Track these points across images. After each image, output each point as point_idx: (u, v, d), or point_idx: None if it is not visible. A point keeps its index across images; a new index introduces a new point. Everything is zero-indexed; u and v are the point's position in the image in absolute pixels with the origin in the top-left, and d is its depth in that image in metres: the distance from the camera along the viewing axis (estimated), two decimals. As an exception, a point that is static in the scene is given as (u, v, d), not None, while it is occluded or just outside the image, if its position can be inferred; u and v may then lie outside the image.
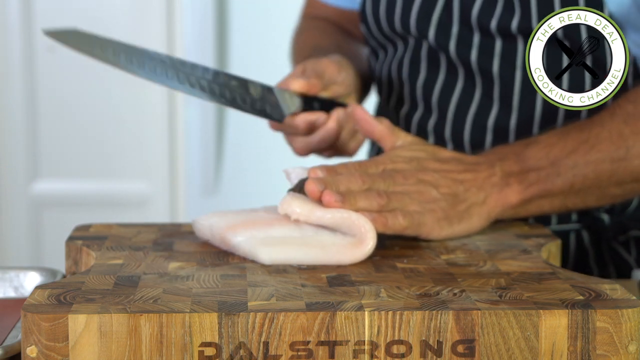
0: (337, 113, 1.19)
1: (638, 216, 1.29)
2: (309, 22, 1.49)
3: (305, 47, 1.41)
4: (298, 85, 1.18)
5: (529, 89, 1.23)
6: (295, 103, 1.18)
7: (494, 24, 1.22)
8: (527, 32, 1.21)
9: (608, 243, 1.29)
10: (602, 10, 1.17)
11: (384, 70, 1.35)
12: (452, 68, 1.27)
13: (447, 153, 1.11)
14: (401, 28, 1.29)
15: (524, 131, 1.24)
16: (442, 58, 1.27)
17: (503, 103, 1.24)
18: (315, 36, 1.44)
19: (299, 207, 1.02)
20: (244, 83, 1.17)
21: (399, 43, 1.32)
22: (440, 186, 1.07)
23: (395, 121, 1.34)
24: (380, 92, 1.39)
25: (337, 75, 1.21)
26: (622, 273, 1.29)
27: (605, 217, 1.28)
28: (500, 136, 1.25)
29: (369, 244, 1.00)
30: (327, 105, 1.20)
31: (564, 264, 1.26)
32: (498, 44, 1.23)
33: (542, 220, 1.24)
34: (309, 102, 1.19)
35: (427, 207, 1.06)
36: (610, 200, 1.17)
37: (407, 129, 1.33)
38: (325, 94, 1.21)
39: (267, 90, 1.18)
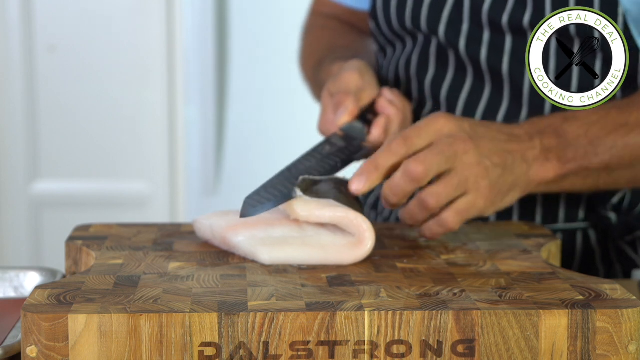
0: (381, 121, 1.18)
1: None
2: (318, 19, 1.49)
3: (317, 47, 1.41)
4: (345, 119, 1.16)
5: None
6: (358, 126, 1.17)
7: (505, 19, 1.22)
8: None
9: (615, 242, 1.29)
10: (617, 8, 1.17)
11: (391, 67, 1.35)
12: (461, 65, 1.27)
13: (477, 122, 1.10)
14: (411, 24, 1.29)
15: None
16: (451, 55, 1.27)
17: (513, 99, 1.24)
18: (327, 35, 1.43)
19: (300, 208, 1.02)
20: (324, 151, 1.14)
21: (408, 40, 1.32)
22: (493, 156, 1.06)
23: None
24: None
25: (362, 82, 1.20)
26: (629, 273, 1.29)
27: (613, 216, 1.27)
28: None
29: (368, 243, 1.00)
30: (370, 111, 1.19)
31: (570, 262, 1.26)
32: (508, 41, 1.23)
33: (550, 218, 1.24)
34: (363, 117, 1.19)
35: (481, 184, 1.04)
36: None
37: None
38: (362, 102, 1.19)
39: (336, 137, 1.15)
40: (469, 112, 1.27)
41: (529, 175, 1.09)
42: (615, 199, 1.26)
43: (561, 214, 1.26)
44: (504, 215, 1.25)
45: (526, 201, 1.24)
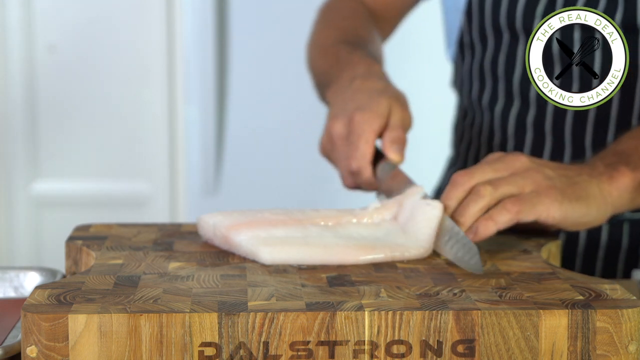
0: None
1: None
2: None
3: (347, 24, 1.40)
4: (400, 160, 1.15)
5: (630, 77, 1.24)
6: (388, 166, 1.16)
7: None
8: (629, 27, 1.23)
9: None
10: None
11: (474, 67, 1.37)
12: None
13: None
14: (506, 22, 1.31)
15: (624, 119, 1.27)
16: None
17: None
18: (349, 19, 1.42)
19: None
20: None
21: (490, 41, 1.34)
22: (554, 169, 1.07)
23: (489, 117, 1.36)
24: (470, 90, 1.41)
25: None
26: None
27: None
28: (600, 126, 1.27)
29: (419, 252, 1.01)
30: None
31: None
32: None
33: None
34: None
35: (543, 184, 1.05)
36: None
37: (503, 124, 1.34)
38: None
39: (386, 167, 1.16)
40: (560, 108, 1.28)
41: (602, 188, 1.08)
42: None
43: None
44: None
45: None
